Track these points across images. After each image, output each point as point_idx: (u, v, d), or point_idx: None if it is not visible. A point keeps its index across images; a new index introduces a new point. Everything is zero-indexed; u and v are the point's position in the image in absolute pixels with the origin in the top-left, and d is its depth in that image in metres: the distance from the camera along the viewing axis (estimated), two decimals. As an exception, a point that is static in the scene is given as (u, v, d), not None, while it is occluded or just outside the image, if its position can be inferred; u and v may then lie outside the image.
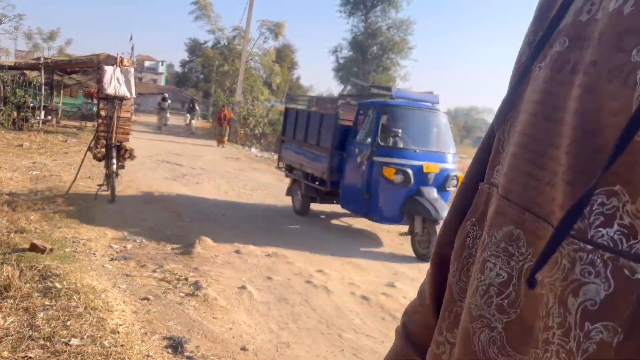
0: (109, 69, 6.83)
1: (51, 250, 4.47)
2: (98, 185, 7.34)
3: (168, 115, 23.64)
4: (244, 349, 3.25)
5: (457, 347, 0.64)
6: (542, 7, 0.69)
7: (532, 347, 0.53)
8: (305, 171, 8.05)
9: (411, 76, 77.72)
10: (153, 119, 34.94)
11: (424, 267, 6.17)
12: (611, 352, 0.44)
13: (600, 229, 0.47)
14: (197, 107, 25.09)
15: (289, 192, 8.60)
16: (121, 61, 7.03)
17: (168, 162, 12.93)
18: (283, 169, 9.42)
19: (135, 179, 9.38)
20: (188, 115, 24.06)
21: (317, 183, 7.75)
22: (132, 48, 19.23)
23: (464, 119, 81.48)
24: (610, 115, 0.48)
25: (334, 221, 8.20)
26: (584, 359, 0.45)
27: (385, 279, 5.18)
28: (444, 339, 0.70)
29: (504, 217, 0.60)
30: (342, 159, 7.37)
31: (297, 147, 8.49)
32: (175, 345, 3.10)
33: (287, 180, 12.15)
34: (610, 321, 0.45)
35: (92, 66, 14.57)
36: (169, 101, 24.56)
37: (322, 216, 8.44)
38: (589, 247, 0.47)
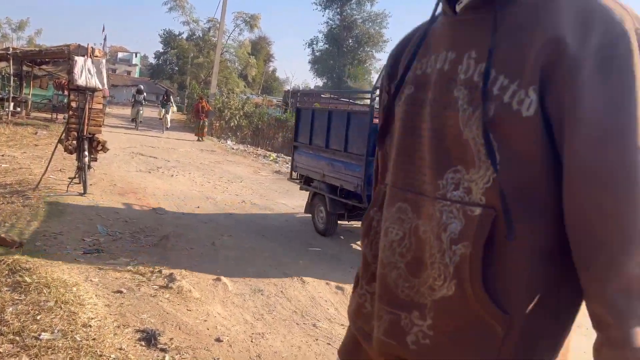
0: (79, 60, 6.69)
1: (21, 244, 4.39)
2: (69, 178, 7.21)
3: (142, 109, 21.05)
4: (218, 340, 3.26)
5: (377, 288, 0.98)
6: (391, 66, 1.11)
7: (424, 271, 0.89)
8: (330, 183, 6.60)
9: (387, 69, 78.12)
10: (127, 111, 34.41)
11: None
12: (466, 258, 0.82)
13: (453, 192, 0.86)
14: (172, 100, 22.40)
15: (309, 209, 7.14)
16: (92, 52, 6.89)
17: (142, 154, 12.76)
18: (297, 181, 7.79)
19: (108, 171, 9.24)
20: (162, 109, 21.23)
21: (346, 197, 6.30)
22: (105, 39, 19.04)
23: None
24: (448, 128, 0.88)
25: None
26: (453, 264, 0.83)
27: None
28: (364, 291, 1.05)
29: (395, 198, 0.98)
30: None
31: (317, 154, 6.97)
32: (149, 337, 3.08)
33: (264, 172, 11.97)
34: (465, 241, 0.83)
35: (63, 57, 14.25)
36: (145, 94, 22.21)
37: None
38: (448, 202, 0.86)
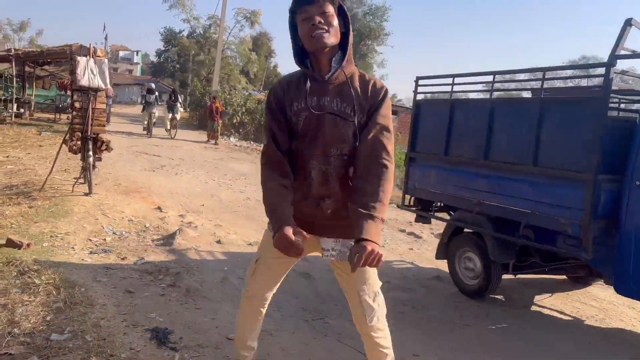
0: (82, 60, 6.69)
1: (28, 245, 4.40)
2: (74, 178, 7.23)
3: (156, 111, 17.72)
4: (228, 338, 3.26)
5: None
6: (280, 98, 2.13)
7: (331, 182, 2.10)
8: (498, 216, 4.46)
9: (387, 63, 77.81)
10: (130, 110, 34.41)
11: (405, 252, 6.25)
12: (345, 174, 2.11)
13: (338, 163, 2.07)
14: (180, 100, 19.70)
15: (443, 253, 5.11)
16: (94, 52, 6.89)
17: (146, 153, 12.78)
18: (414, 209, 5.70)
19: (112, 171, 9.26)
20: (169, 112, 18.12)
21: (537, 238, 4.18)
22: (106, 38, 18.84)
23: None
24: (333, 129, 2.07)
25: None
26: (338, 177, 2.10)
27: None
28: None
29: (307, 157, 2.09)
30: (618, 191, 3.76)
31: (465, 170, 4.81)
32: (159, 336, 3.09)
33: None
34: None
35: (65, 57, 14.27)
36: (157, 93, 18.59)
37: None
38: (336, 157, 2.09)
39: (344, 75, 2.05)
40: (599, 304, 4.83)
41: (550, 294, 5.01)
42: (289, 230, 1.86)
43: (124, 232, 5.51)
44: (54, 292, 3.40)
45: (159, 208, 6.83)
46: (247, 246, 5.51)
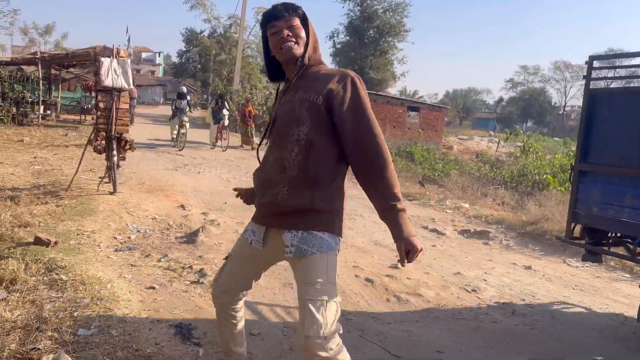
0: (105, 61, 6.79)
1: (55, 243, 4.48)
2: (99, 177, 7.35)
3: (186, 121, 14.07)
4: (251, 333, 3.27)
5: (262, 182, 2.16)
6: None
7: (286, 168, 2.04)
8: None
9: (408, 59, 77.30)
10: (153, 110, 34.87)
11: (427, 249, 6.19)
12: (301, 160, 2.04)
13: (295, 148, 2.04)
14: (227, 107, 15.79)
15: None
16: (117, 52, 6.98)
17: (169, 152, 12.92)
18: (582, 242, 4.33)
19: (136, 170, 9.38)
20: (214, 121, 15.20)
21: None
22: (129, 40, 19.06)
23: (463, 101, 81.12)
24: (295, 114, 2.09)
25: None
26: (296, 164, 2.03)
27: (389, 262, 5.19)
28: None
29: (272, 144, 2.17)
30: None
31: None
32: (183, 332, 3.12)
33: None
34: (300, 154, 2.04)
35: (89, 59, 14.54)
36: (189, 98, 15.52)
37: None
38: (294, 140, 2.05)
39: (309, 73, 2.12)
40: (629, 301, 4.71)
41: (579, 289, 4.90)
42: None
43: (147, 230, 5.58)
44: (81, 288, 3.45)
45: (182, 206, 6.90)
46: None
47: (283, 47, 2.07)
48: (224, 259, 2.34)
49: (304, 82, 2.11)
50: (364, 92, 2.04)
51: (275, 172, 2.05)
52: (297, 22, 2.10)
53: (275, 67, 2.25)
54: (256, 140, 15.95)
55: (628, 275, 5.54)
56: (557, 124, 70.22)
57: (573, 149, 14.06)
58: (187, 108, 14.81)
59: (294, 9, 2.12)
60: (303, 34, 2.11)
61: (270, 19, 2.11)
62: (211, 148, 14.96)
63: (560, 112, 74.44)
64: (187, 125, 14.14)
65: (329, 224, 2.03)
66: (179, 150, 13.40)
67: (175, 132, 14.40)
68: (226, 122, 15.39)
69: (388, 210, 1.95)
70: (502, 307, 4.27)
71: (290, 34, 2.08)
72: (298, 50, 2.09)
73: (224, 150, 14.57)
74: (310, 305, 1.92)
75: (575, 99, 72.45)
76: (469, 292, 4.59)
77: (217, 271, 2.32)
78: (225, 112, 15.45)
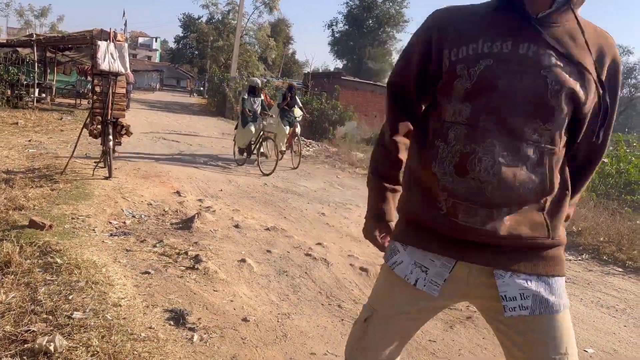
0: (102, 44, 6.73)
1: (50, 226, 4.47)
2: (95, 162, 7.32)
3: (261, 127, 10.08)
4: (245, 320, 3.29)
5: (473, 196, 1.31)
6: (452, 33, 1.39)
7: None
8: None
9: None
10: (149, 96, 34.69)
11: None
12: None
13: (532, 152, 1.31)
14: (298, 100, 11.11)
15: None
16: (115, 36, 6.93)
17: (165, 139, 12.87)
18: None
19: (132, 155, 9.34)
20: (284, 123, 10.34)
21: None
22: (125, 24, 18.85)
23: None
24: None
25: (332, 196, 8.22)
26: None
27: (377, 250, 5.20)
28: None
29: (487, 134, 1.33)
30: None
31: None
32: (177, 317, 3.13)
33: (286, 155, 11.49)
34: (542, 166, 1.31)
35: (85, 42, 14.43)
36: (263, 97, 10.85)
37: (314, 190, 8.44)
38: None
39: (574, 17, 1.33)
40: (620, 294, 4.75)
41: (571, 282, 4.94)
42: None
43: (143, 216, 5.57)
44: (76, 272, 3.45)
45: (178, 192, 6.88)
46: (264, 231, 5.53)
47: None
48: (363, 318, 1.50)
49: (561, 34, 1.31)
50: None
51: (494, 184, 1.28)
52: None
53: None
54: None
55: (620, 269, 5.59)
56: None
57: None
58: (265, 111, 10.22)
59: None
60: None
61: None
62: (239, 164, 9.98)
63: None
64: (262, 132, 9.85)
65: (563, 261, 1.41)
66: (266, 175, 9.03)
67: (241, 145, 10.02)
68: (298, 129, 10.77)
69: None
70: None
71: None
72: None
73: (295, 168, 10.34)
74: None
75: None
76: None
77: (354, 338, 1.53)
78: (297, 112, 10.53)
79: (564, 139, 1.34)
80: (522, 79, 1.28)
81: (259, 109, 10.12)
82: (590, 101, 1.31)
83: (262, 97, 10.59)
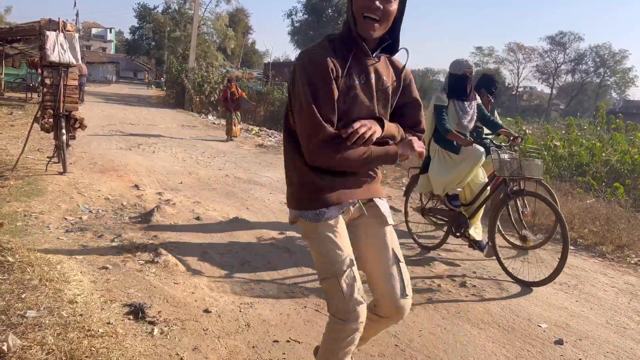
0: (51, 35, 6.49)
1: (1, 224, 4.32)
2: (48, 157, 7.08)
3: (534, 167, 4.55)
4: (207, 311, 3.27)
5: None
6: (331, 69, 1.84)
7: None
8: None
9: (368, 39, 77.24)
10: (105, 89, 33.70)
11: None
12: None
13: None
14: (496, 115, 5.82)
15: None
16: (64, 26, 6.69)
17: (122, 132, 12.57)
18: None
19: (87, 150, 9.09)
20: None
21: None
22: (77, 14, 18.37)
23: (420, 82, 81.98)
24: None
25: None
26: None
27: (346, 238, 5.24)
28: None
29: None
30: None
31: None
32: (137, 311, 3.08)
33: (246, 146, 11.55)
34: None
35: (34, 33, 13.86)
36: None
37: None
38: None
39: (385, 59, 2.04)
40: (571, 271, 4.94)
41: (522, 260, 5.11)
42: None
43: (100, 211, 5.44)
44: (29, 270, 3.35)
45: (136, 186, 6.74)
46: (227, 223, 5.49)
47: (367, 16, 1.81)
48: (334, 278, 1.93)
49: (380, 66, 2.00)
50: None
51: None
52: None
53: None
54: (239, 128, 13.34)
55: (572, 248, 5.81)
56: (511, 104, 72.08)
57: (524, 128, 14.47)
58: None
59: None
60: (395, 7, 1.86)
61: None
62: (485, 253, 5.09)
63: (513, 93, 76.44)
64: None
65: None
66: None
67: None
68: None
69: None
70: (454, 279, 4.41)
71: (381, 6, 1.80)
72: (378, 31, 1.86)
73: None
74: (402, 266, 2.04)
75: (527, 80, 74.42)
76: (422, 267, 4.71)
77: (336, 293, 1.93)
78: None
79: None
80: (370, 100, 1.94)
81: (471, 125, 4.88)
82: (391, 104, 2.04)
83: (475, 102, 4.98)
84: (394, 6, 1.83)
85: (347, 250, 1.94)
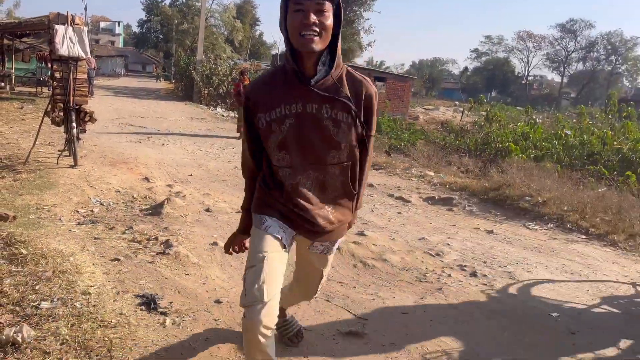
0: (60, 28, 6.51)
1: (14, 217, 4.36)
2: (59, 151, 7.13)
3: None
4: (218, 302, 3.29)
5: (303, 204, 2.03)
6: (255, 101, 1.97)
7: (327, 189, 2.08)
8: None
9: (375, 29, 76.84)
10: (114, 82, 33.83)
11: (393, 217, 6.29)
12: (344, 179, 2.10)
13: (334, 159, 2.04)
14: None
15: None
16: (72, 19, 6.71)
17: (132, 124, 12.63)
18: None
19: (98, 143, 9.15)
20: None
21: None
22: (85, 8, 18.39)
23: (429, 71, 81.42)
24: (326, 136, 1.99)
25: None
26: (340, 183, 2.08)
27: (355, 228, 5.25)
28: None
29: (301, 168, 2.03)
30: None
31: None
32: (149, 302, 3.10)
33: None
34: (342, 176, 2.08)
35: (43, 28, 13.97)
36: None
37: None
38: (334, 164, 2.08)
39: (332, 79, 1.91)
40: (584, 260, 4.92)
41: (537, 251, 5.09)
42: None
43: (111, 203, 5.48)
44: (42, 262, 3.38)
45: (147, 179, 6.78)
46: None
47: (303, 34, 1.78)
48: (250, 267, 2.00)
49: (327, 92, 1.90)
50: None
51: (316, 191, 2.03)
52: (328, 6, 1.81)
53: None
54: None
55: (583, 237, 5.78)
56: (520, 94, 71.48)
57: (534, 117, 14.35)
58: None
59: None
60: (330, 22, 1.82)
61: None
62: None
63: (523, 82, 75.73)
64: None
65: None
66: None
67: None
68: None
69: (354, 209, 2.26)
70: (464, 269, 4.40)
71: (317, 21, 1.78)
72: (318, 44, 1.81)
73: None
74: (323, 281, 2.49)
75: (537, 68, 73.73)
76: (432, 257, 4.70)
77: (250, 284, 1.95)
78: None
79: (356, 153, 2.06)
80: (315, 128, 1.91)
81: None
82: (355, 127, 1.97)
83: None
84: (329, 21, 1.81)
85: (268, 249, 1.99)
